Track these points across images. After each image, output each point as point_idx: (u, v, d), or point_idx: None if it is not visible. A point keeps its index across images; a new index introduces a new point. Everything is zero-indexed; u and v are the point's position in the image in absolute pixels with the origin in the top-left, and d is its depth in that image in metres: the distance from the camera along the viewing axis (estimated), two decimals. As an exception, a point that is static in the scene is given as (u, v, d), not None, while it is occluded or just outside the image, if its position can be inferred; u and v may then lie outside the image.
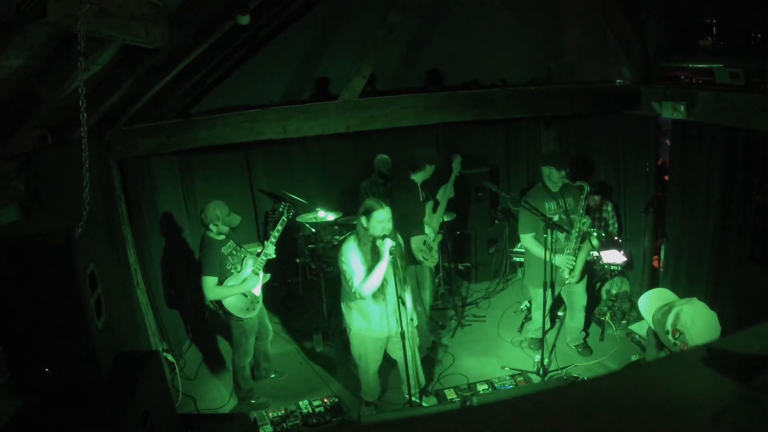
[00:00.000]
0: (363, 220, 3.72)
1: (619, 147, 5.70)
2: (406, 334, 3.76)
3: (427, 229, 4.77)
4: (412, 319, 4.02)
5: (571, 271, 4.56)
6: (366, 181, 5.88)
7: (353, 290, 3.73)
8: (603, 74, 5.58)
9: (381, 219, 3.66)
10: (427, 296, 4.93)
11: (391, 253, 3.58)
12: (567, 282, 4.61)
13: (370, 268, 3.67)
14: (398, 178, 5.35)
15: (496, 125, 6.47)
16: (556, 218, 4.56)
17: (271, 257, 4.41)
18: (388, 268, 3.64)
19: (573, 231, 4.51)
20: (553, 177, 4.51)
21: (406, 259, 4.81)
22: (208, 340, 5.50)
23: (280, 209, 4.65)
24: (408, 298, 3.96)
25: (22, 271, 1.87)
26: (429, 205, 4.94)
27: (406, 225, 4.77)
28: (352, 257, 3.72)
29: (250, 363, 4.53)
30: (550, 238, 4.30)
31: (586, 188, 4.50)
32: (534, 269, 4.71)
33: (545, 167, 4.58)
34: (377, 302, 3.81)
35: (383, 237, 3.64)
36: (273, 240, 4.42)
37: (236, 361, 4.42)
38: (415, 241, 4.77)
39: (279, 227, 4.46)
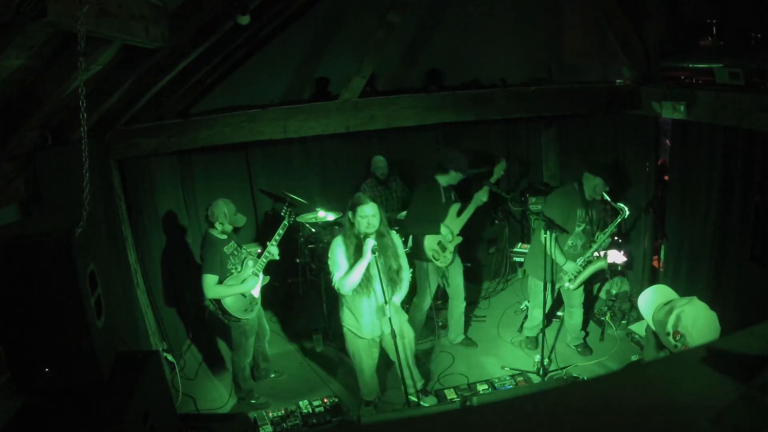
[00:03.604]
0: (350, 214, 3.75)
1: (619, 147, 5.69)
2: (396, 333, 3.77)
3: (443, 230, 4.76)
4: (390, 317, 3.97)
5: (573, 278, 4.62)
6: (365, 183, 5.89)
7: (333, 284, 3.77)
8: (603, 74, 5.57)
9: (365, 214, 3.67)
10: (426, 296, 4.93)
11: (373, 252, 3.59)
12: (565, 288, 4.66)
13: (352, 265, 3.70)
14: (422, 177, 5.30)
15: (496, 125, 6.46)
16: (581, 227, 4.59)
17: (274, 258, 4.42)
18: (373, 266, 3.65)
19: (594, 245, 4.57)
20: (598, 189, 4.43)
21: (416, 254, 4.83)
22: (207, 341, 5.49)
23: (282, 213, 4.68)
24: (396, 297, 3.94)
25: (22, 271, 1.87)
26: (454, 207, 4.92)
27: (419, 223, 4.79)
28: (337, 252, 3.77)
29: (250, 363, 4.53)
30: (550, 237, 4.34)
31: (626, 213, 4.45)
32: (538, 261, 4.66)
33: (595, 177, 4.44)
34: (362, 297, 3.82)
35: (366, 236, 3.67)
36: (275, 241, 4.43)
37: (236, 361, 4.42)
38: (428, 240, 4.79)
39: (280, 231, 4.49)
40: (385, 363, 4.29)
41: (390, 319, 3.71)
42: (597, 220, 4.63)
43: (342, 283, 3.71)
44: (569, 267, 4.57)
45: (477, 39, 6.17)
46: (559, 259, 4.55)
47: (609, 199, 4.44)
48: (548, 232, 4.32)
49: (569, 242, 4.61)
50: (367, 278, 3.73)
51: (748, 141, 3.95)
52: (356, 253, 3.73)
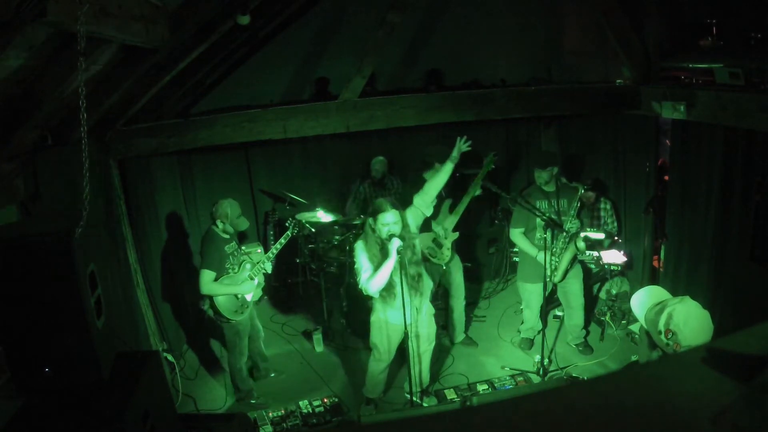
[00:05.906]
0: (370, 221, 3.71)
1: (619, 147, 5.69)
2: (410, 332, 3.77)
3: (435, 227, 4.76)
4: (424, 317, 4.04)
5: (554, 270, 4.65)
6: (362, 185, 5.87)
7: (360, 287, 3.75)
8: (603, 74, 5.57)
9: (386, 221, 3.63)
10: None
11: (398, 252, 3.53)
12: (548, 280, 4.66)
13: (377, 267, 3.67)
14: (412, 176, 5.34)
15: (496, 125, 6.46)
16: (546, 215, 4.63)
17: (267, 272, 4.44)
18: (396, 268, 3.60)
19: (564, 232, 4.60)
20: (539, 178, 4.64)
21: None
22: (207, 341, 5.49)
23: (286, 224, 4.70)
24: (422, 298, 3.93)
25: (22, 271, 1.87)
26: (445, 204, 4.92)
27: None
28: (361, 257, 3.75)
29: (248, 364, 4.53)
30: (549, 236, 4.35)
31: (581, 189, 4.57)
32: (523, 265, 4.92)
33: (534, 170, 4.73)
34: (386, 303, 3.82)
35: (391, 236, 3.60)
36: (272, 254, 4.46)
37: (232, 363, 4.42)
38: (422, 238, 4.77)
39: (282, 240, 4.51)
40: (393, 362, 4.28)
41: (410, 317, 3.71)
42: (567, 209, 4.69)
43: (368, 284, 3.68)
44: (542, 258, 4.57)
45: (477, 39, 6.16)
46: (531, 251, 4.67)
47: (566, 181, 4.63)
48: (547, 231, 4.33)
49: (537, 235, 4.68)
50: (392, 280, 3.68)
51: (748, 141, 3.95)
52: (380, 258, 3.69)
